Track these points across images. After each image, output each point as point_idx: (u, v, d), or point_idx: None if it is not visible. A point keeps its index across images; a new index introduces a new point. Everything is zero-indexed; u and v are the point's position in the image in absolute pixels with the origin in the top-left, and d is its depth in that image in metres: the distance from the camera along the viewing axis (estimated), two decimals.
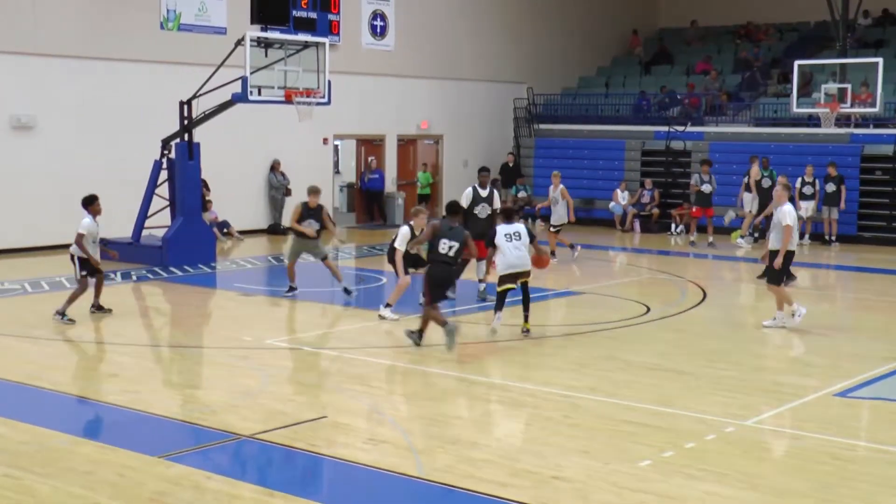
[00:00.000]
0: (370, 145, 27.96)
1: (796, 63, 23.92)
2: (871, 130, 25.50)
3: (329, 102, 19.18)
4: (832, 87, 23.13)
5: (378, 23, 27.20)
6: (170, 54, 22.49)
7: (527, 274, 13.34)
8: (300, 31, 22.75)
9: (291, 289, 16.02)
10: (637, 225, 26.60)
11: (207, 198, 22.22)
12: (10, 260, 19.52)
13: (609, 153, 28.59)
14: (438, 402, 10.42)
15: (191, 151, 19.27)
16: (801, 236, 23.79)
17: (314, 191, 16.01)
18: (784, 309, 13.85)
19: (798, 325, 13.67)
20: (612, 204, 27.07)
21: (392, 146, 28.16)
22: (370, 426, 9.53)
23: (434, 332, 12.53)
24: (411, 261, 14.33)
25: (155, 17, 22.38)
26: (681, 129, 27.20)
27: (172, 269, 18.60)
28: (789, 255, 13.77)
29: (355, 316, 14.73)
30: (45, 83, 21.03)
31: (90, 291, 14.18)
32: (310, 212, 15.77)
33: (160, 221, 19.87)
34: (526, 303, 13.38)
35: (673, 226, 25.95)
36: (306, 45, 18.90)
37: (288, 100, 18.38)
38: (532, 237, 13.42)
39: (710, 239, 23.03)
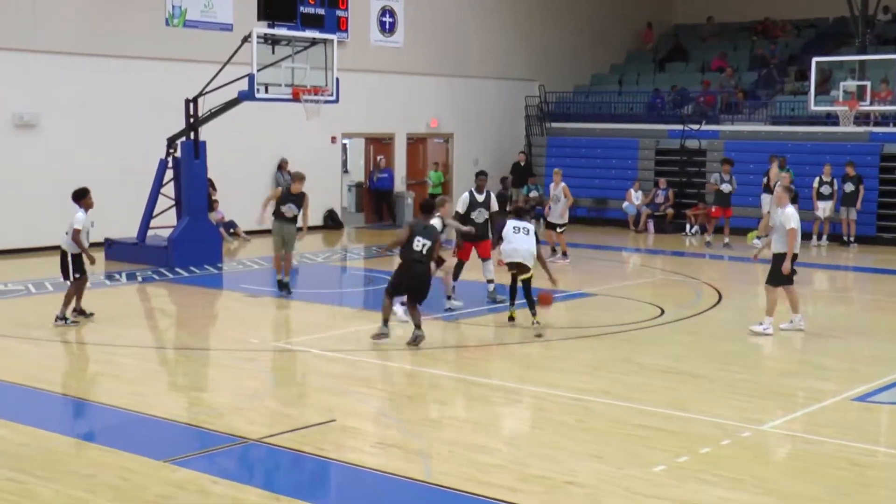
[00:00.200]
0: (379, 144, 27.84)
1: (814, 60, 23.70)
2: (891, 129, 25.26)
3: (337, 100, 19.06)
4: (851, 84, 22.91)
5: (387, 19, 27.06)
6: (175, 51, 22.38)
7: (526, 269, 13.52)
8: (308, 27, 22.56)
9: (281, 284, 15.91)
10: (651, 225, 26.41)
11: (214, 197, 22.10)
12: (12, 260, 19.43)
13: (622, 152, 28.41)
14: (448, 405, 10.34)
15: (197, 150, 19.15)
16: (819, 237, 23.67)
17: (299, 177, 16.22)
18: (765, 313, 13.59)
19: (760, 333, 13.38)
20: (625, 204, 26.88)
21: (401, 145, 28.03)
22: (378, 429, 9.45)
23: (436, 333, 12.40)
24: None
25: (160, 14, 22.26)
26: (696, 127, 27.01)
27: (178, 269, 18.48)
28: (793, 258, 13.57)
29: (363, 318, 14.60)
30: (48, 81, 20.94)
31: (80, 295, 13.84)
32: (290, 196, 15.93)
33: (166, 221, 19.75)
34: (529, 303, 13.52)
35: (688, 226, 25.75)
36: (314, 42, 18.79)
37: (295, 98, 18.26)
38: (538, 241, 13.60)
39: (726, 240, 22.82)
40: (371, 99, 26.51)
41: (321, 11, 24.81)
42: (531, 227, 13.67)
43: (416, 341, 12.46)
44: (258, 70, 17.77)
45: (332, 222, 26.12)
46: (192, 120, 19.12)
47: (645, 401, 10.22)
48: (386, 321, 12.75)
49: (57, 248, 13.89)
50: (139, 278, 17.83)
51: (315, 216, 25.98)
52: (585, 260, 21.17)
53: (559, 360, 12.20)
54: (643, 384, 10.95)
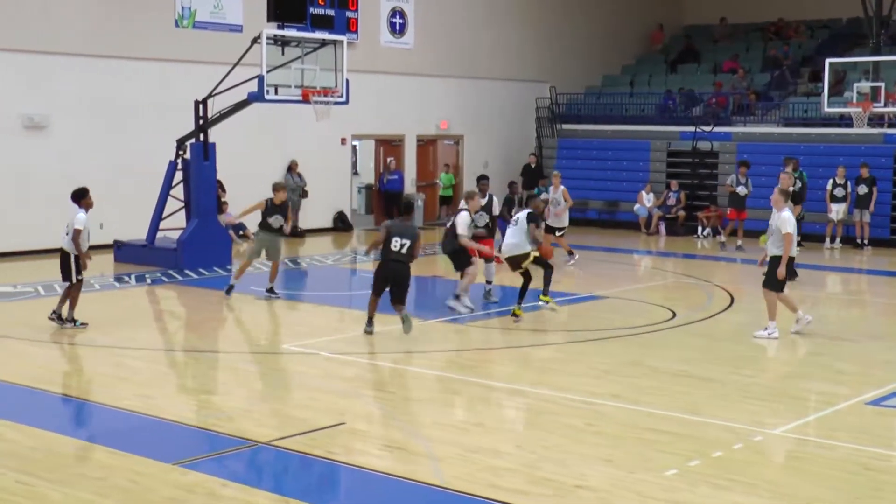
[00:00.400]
0: (389, 146, 27.80)
1: (828, 61, 23.56)
2: None
3: (347, 102, 19.02)
4: (865, 85, 22.77)
5: (397, 20, 27.02)
6: (185, 52, 22.39)
7: (521, 259, 14.04)
8: (317, 28, 22.54)
9: (270, 291, 15.98)
10: (662, 228, 26.31)
11: (223, 199, 22.08)
12: (21, 262, 19.42)
13: (634, 154, 28.33)
14: (457, 408, 10.29)
15: (206, 152, 19.14)
16: (833, 239, 23.55)
17: (281, 187, 16.26)
18: (768, 318, 13.48)
19: (765, 338, 13.29)
20: (636, 206, 26.79)
21: (411, 146, 27.99)
22: (388, 432, 9.42)
23: (445, 337, 12.34)
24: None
25: (169, 15, 22.27)
26: (707, 129, 26.90)
27: (187, 271, 18.46)
28: (790, 261, 13.50)
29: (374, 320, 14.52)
30: (58, 82, 20.96)
31: (61, 298, 13.63)
32: (275, 208, 15.95)
33: (175, 223, 19.73)
34: (522, 290, 14.19)
35: (699, 228, 25.65)
36: (324, 43, 18.74)
37: (305, 99, 18.23)
38: (532, 221, 14.08)
39: (739, 242, 22.70)
40: (381, 100, 26.48)
41: (331, 12, 24.79)
42: (522, 215, 14.19)
43: (406, 328, 13.00)
44: (268, 71, 17.74)
45: (341, 224, 26.09)
46: (201, 121, 19.10)
47: (656, 404, 10.15)
48: (370, 318, 13.25)
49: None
50: (148, 280, 17.82)
51: (325, 218, 26.00)
52: (596, 262, 21.10)
53: (569, 363, 12.14)
54: (654, 387, 10.88)
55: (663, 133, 28.18)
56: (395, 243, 13.01)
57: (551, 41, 30.70)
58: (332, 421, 9.54)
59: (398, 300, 13.11)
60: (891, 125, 25.31)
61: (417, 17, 27.42)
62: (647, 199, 26.65)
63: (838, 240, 23.53)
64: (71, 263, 13.32)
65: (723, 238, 23.51)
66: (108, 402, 10.20)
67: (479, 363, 12.33)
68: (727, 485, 7.92)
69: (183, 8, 22.47)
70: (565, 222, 19.99)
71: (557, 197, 19.60)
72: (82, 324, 13.49)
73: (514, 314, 14.25)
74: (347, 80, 18.81)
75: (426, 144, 28.58)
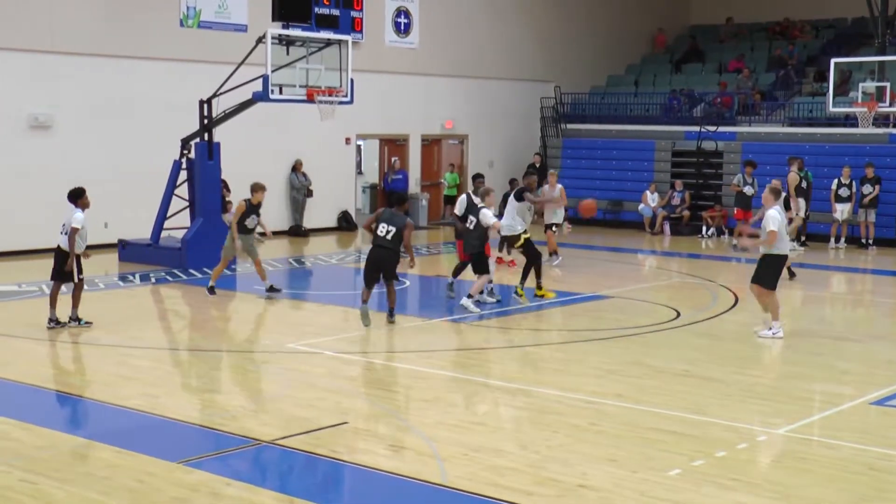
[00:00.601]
0: (393, 145, 27.81)
1: (833, 61, 23.51)
2: None
3: (352, 101, 19.03)
4: (870, 85, 22.70)
5: (402, 20, 27.03)
6: (190, 52, 22.42)
7: (513, 240, 15.41)
8: (322, 28, 22.62)
9: (212, 290, 16.04)
10: (667, 227, 26.30)
11: (227, 199, 22.04)
12: (26, 261, 19.42)
13: (638, 154, 28.31)
14: (461, 407, 10.28)
15: (211, 151, 19.15)
16: (837, 239, 23.52)
17: (260, 187, 16.25)
18: (771, 318, 13.46)
19: (770, 338, 13.29)
20: (641, 206, 26.77)
21: (416, 146, 28.00)
22: (391, 432, 9.40)
23: (449, 336, 12.33)
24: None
25: (175, 14, 22.29)
26: (712, 129, 26.87)
27: (192, 271, 18.47)
28: (781, 260, 13.49)
29: (378, 320, 14.54)
30: (63, 82, 20.99)
31: (49, 299, 13.56)
32: (253, 208, 16.01)
33: (179, 222, 19.74)
34: (524, 270, 15.29)
35: (704, 228, 25.62)
36: (328, 43, 18.75)
37: (310, 99, 18.24)
38: (519, 199, 15.48)
39: (738, 241, 22.63)
40: (386, 100, 26.49)
41: (336, 12, 24.86)
42: (512, 196, 15.34)
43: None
44: (272, 71, 17.76)
45: (345, 224, 26.11)
46: (206, 121, 19.12)
47: (660, 404, 10.15)
48: (364, 301, 13.78)
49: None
50: (153, 279, 17.84)
51: (329, 218, 26.01)
52: (601, 262, 21.10)
53: (573, 362, 12.13)
54: (658, 387, 10.88)
55: (668, 133, 28.15)
56: (382, 229, 13.61)
57: (556, 41, 30.69)
58: (335, 420, 9.55)
59: (386, 277, 13.83)
60: None
61: (422, 17, 27.43)
62: (651, 199, 26.62)
63: (843, 240, 23.50)
64: (72, 262, 13.27)
65: (735, 241, 23.44)
66: (112, 401, 10.20)
67: (482, 362, 12.34)
68: (731, 485, 7.91)
69: (188, 8, 22.50)
70: (560, 217, 19.90)
71: (555, 195, 19.50)
72: (87, 322, 13.50)
73: (517, 293, 15.41)
74: (352, 80, 18.82)
75: (431, 144, 28.58)
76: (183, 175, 19.64)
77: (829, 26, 32.06)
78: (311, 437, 8.99)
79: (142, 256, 19.50)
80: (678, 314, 15.04)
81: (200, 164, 19.17)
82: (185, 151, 19.58)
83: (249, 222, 16.03)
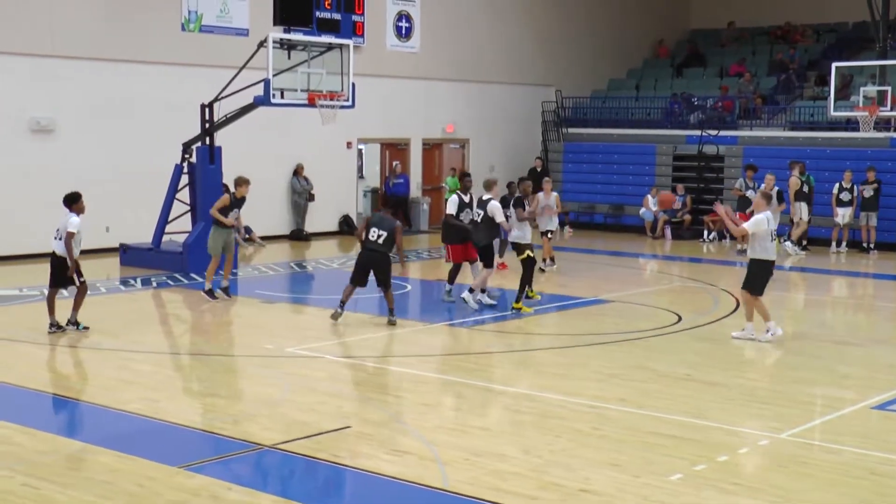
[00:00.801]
0: (395, 149, 27.81)
1: (834, 65, 23.52)
2: None
3: (353, 105, 19.02)
4: (871, 89, 22.68)
5: (403, 24, 27.04)
6: (191, 56, 22.42)
7: (522, 249, 15.21)
8: (323, 32, 22.63)
9: (211, 293, 16.01)
10: (668, 231, 26.29)
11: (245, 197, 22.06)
12: (26, 265, 19.38)
13: (640, 158, 28.30)
14: (464, 412, 10.27)
15: (212, 155, 19.15)
16: (839, 243, 23.50)
17: (244, 181, 16.25)
18: (761, 322, 13.44)
19: (769, 340, 13.27)
20: (642, 210, 26.77)
21: (417, 150, 28.00)
22: (394, 437, 9.38)
23: (450, 340, 12.30)
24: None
25: (176, 19, 22.32)
26: (714, 133, 26.87)
27: (193, 275, 18.43)
28: (768, 265, 13.53)
29: (379, 324, 14.55)
30: (64, 86, 20.99)
31: (47, 305, 13.51)
32: (236, 202, 16.04)
33: (181, 227, 19.73)
34: (521, 283, 15.19)
35: (705, 232, 25.61)
36: (330, 47, 18.75)
37: (311, 103, 18.23)
38: (517, 206, 15.45)
39: (746, 246, 22.57)
40: (387, 104, 26.49)
41: (337, 16, 24.87)
42: (511, 207, 15.43)
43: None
44: (274, 75, 17.77)
45: (347, 228, 26.09)
46: (207, 125, 19.12)
47: (661, 408, 10.14)
48: (342, 302, 14.26)
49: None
50: (154, 284, 17.83)
51: (330, 222, 26.01)
52: (602, 266, 21.09)
53: (575, 366, 12.12)
54: (660, 391, 10.87)
55: (669, 137, 28.14)
56: (373, 233, 14.09)
57: (557, 45, 30.69)
58: (337, 424, 9.55)
59: (382, 283, 14.20)
60: None
61: (423, 21, 27.44)
62: (652, 203, 26.62)
63: (844, 244, 23.48)
64: (73, 267, 13.20)
65: (739, 245, 23.40)
66: (113, 406, 10.19)
67: (484, 367, 12.33)
68: (733, 489, 7.91)
69: (189, 12, 22.52)
70: (554, 225, 19.76)
71: (550, 203, 19.36)
72: (85, 327, 13.44)
73: (528, 296, 15.48)
74: (353, 84, 18.82)
75: (432, 148, 28.58)
76: (184, 179, 19.64)
77: (831, 30, 32.06)
78: (312, 441, 8.98)
79: (143, 261, 19.51)
80: (679, 318, 15.03)
81: (202, 168, 19.17)
82: (187, 155, 19.58)
83: (231, 216, 16.00)
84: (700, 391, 10.97)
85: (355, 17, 25.48)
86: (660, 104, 29.86)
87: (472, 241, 15.66)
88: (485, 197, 15.53)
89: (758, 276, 13.39)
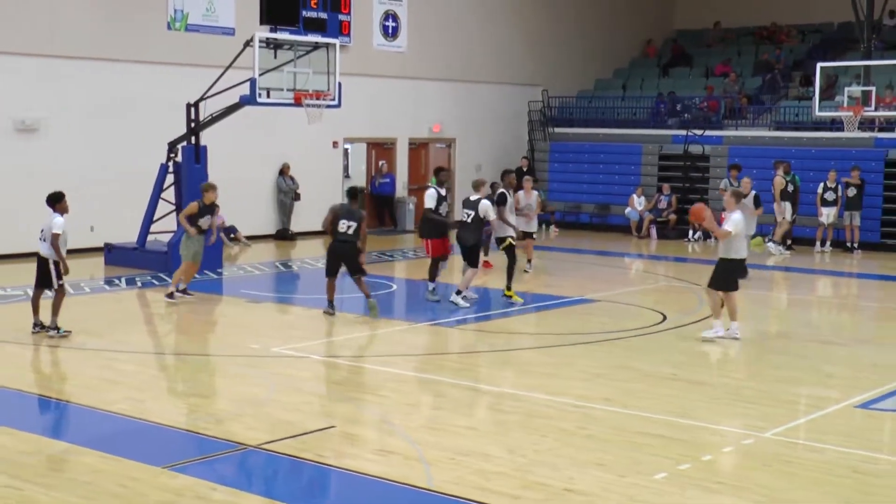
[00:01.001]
0: (381, 149, 27.78)
1: (819, 65, 23.56)
2: None
3: (339, 105, 18.99)
4: (856, 89, 22.75)
5: (390, 23, 27.01)
6: (177, 55, 22.34)
7: (504, 238, 15.90)
8: (310, 31, 22.59)
9: (184, 292, 16.07)
10: (654, 231, 26.34)
11: (214, 202, 21.97)
12: (11, 265, 19.27)
13: (625, 157, 28.35)
14: (449, 412, 10.26)
15: (198, 155, 19.09)
16: (823, 243, 23.59)
17: (211, 187, 16.22)
18: (730, 318, 13.49)
19: (711, 338, 13.31)
20: (628, 210, 26.82)
21: (403, 150, 27.97)
22: (379, 436, 9.39)
23: (436, 339, 12.30)
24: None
25: (162, 18, 22.24)
26: (699, 133, 26.93)
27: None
28: (737, 263, 13.58)
29: (364, 324, 14.54)
30: (50, 85, 20.87)
31: (31, 305, 13.36)
32: (206, 209, 15.99)
33: (166, 226, 19.65)
34: (507, 271, 15.78)
35: (690, 232, 25.67)
36: (316, 47, 18.72)
37: (297, 102, 18.20)
38: (499, 203, 16.11)
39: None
40: (373, 104, 26.46)
41: (324, 16, 24.84)
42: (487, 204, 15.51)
43: (371, 311, 14.38)
44: (260, 74, 17.72)
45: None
46: (193, 124, 19.06)
47: (647, 408, 10.15)
48: (330, 301, 14.60)
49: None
50: (139, 283, 17.77)
51: (316, 221, 25.86)
52: (588, 266, 21.13)
53: (560, 366, 12.13)
54: (645, 391, 10.88)
55: (655, 137, 28.20)
56: (342, 225, 14.45)
57: (544, 45, 30.71)
58: (322, 424, 9.54)
59: (354, 272, 14.52)
60: (881, 129, 25.37)
61: (410, 21, 27.42)
62: (638, 203, 26.67)
63: (829, 243, 23.57)
64: (51, 269, 13.01)
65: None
66: (97, 406, 10.15)
67: (469, 366, 12.33)
68: (717, 488, 7.93)
69: (175, 11, 22.44)
70: (534, 227, 19.66)
71: (531, 203, 19.33)
72: (66, 332, 13.18)
73: (506, 296, 15.76)
74: (340, 84, 18.79)
75: (418, 148, 28.56)
76: (170, 178, 19.57)
77: (816, 31, 32.17)
78: (297, 441, 8.96)
79: (128, 260, 19.43)
80: (665, 318, 15.06)
81: (187, 167, 19.11)
82: (172, 155, 19.52)
83: (203, 223, 15.97)
84: (685, 390, 11.00)
85: (342, 17, 25.44)
86: (646, 104, 29.91)
87: (459, 241, 15.70)
88: (473, 197, 15.57)
89: (729, 273, 13.42)
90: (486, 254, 18.66)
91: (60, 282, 13.13)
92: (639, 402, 10.39)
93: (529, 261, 19.45)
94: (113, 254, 19.79)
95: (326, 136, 25.06)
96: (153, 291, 17.25)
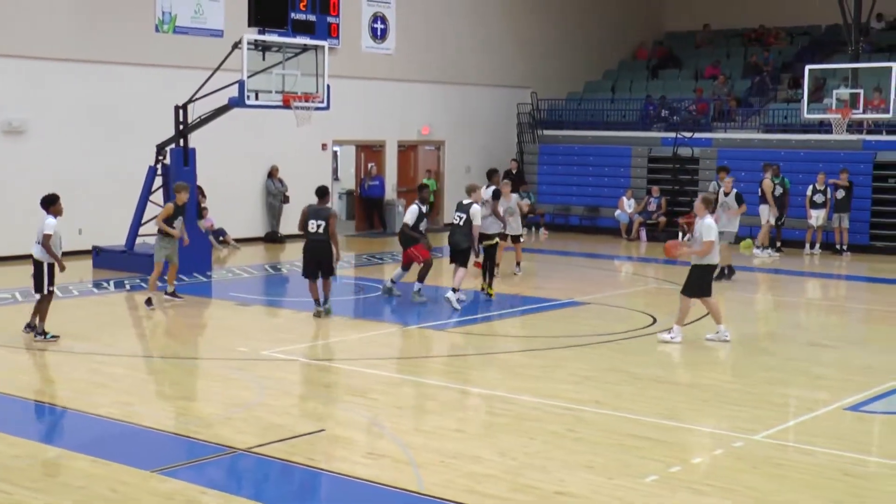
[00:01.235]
0: (370, 151, 27.77)
1: (807, 67, 23.65)
2: (884, 137, 25.19)
3: (328, 107, 18.98)
4: (844, 92, 22.82)
5: (378, 25, 27.00)
6: (165, 57, 22.29)
7: (489, 237, 16.55)
8: (299, 33, 22.56)
9: (173, 294, 16.11)
10: (643, 233, 26.37)
11: (203, 205, 21.98)
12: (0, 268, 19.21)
13: (615, 160, 28.38)
14: (439, 415, 10.24)
15: (186, 157, 19.05)
16: (812, 245, 23.66)
17: (183, 187, 16.20)
18: (681, 325, 13.51)
19: (668, 342, 13.33)
20: (617, 212, 26.85)
21: (392, 152, 27.96)
22: (369, 440, 9.38)
23: (426, 343, 12.29)
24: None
25: (150, 20, 22.19)
26: (688, 135, 26.98)
27: (166, 277, 18.26)
28: (711, 269, 13.64)
29: (354, 327, 14.53)
30: (37, 87, 20.79)
31: (30, 309, 13.32)
32: (178, 210, 16.00)
33: (154, 229, 19.50)
34: (484, 271, 16.46)
35: (680, 234, 25.67)
36: (305, 49, 18.70)
37: (286, 104, 18.17)
38: (495, 197, 16.82)
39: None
40: (362, 106, 26.44)
41: (312, 18, 24.82)
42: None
43: (318, 315, 14.65)
44: (249, 76, 17.69)
45: None
46: (181, 126, 19.02)
47: (637, 410, 10.16)
48: (316, 301, 14.78)
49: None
50: (127, 286, 17.71)
51: None
52: (577, 268, 21.15)
53: (550, 368, 12.12)
54: (635, 393, 10.89)
55: (644, 139, 28.24)
56: (312, 225, 14.59)
57: (533, 47, 30.74)
58: (312, 427, 9.52)
59: (327, 273, 14.67)
60: (870, 132, 25.47)
61: (399, 23, 27.41)
62: (627, 205, 26.70)
63: (818, 245, 23.64)
64: (44, 273, 12.93)
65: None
66: (86, 410, 10.11)
67: (459, 369, 12.32)
68: (707, 490, 7.93)
69: (164, 13, 22.39)
70: (518, 230, 19.60)
71: (513, 206, 19.27)
72: (53, 336, 13.09)
73: (482, 290, 16.40)
74: (329, 86, 18.78)
75: (407, 150, 28.55)
76: (158, 181, 19.52)
77: (804, 33, 32.29)
78: (287, 444, 8.94)
79: (116, 263, 19.37)
80: (654, 320, 15.07)
81: (176, 169, 19.06)
82: (161, 157, 19.47)
83: (177, 224, 15.95)
84: (674, 393, 11.01)
85: (330, 19, 25.42)
86: (635, 106, 29.95)
87: (451, 244, 15.91)
88: (465, 201, 15.78)
89: (700, 281, 13.45)
90: (477, 255, 18.66)
91: (51, 287, 13.03)
92: (629, 404, 10.40)
93: (518, 263, 19.44)
94: (101, 257, 19.73)
95: (315, 139, 25.02)
96: (142, 294, 17.17)
